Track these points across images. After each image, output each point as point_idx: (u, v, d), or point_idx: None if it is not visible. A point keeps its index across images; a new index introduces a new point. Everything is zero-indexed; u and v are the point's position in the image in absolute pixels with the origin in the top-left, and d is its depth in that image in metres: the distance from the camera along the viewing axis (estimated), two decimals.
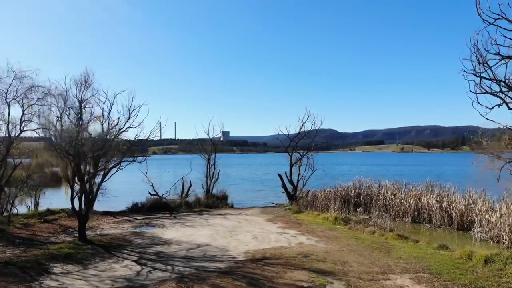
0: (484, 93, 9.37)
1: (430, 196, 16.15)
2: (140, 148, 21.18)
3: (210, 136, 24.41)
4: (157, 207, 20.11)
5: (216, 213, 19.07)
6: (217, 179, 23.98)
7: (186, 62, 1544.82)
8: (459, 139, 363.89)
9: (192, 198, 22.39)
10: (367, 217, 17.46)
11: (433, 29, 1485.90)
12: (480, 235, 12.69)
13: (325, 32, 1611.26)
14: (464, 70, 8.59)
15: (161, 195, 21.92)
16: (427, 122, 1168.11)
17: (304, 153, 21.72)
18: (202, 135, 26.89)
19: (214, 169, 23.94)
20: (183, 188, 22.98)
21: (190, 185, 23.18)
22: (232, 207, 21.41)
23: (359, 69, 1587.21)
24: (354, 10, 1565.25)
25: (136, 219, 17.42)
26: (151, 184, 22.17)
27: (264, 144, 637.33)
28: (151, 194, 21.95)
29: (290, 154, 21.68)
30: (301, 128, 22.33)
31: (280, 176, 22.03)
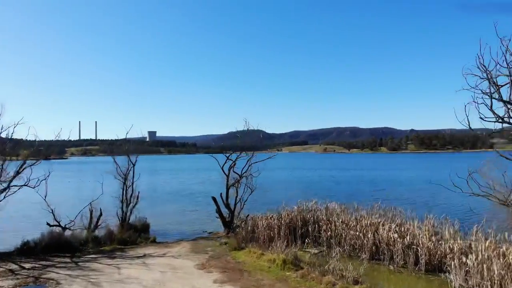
0: (498, 121, 7.92)
1: (388, 227, 13.96)
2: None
3: (135, 136, 20.15)
4: (55, 246, 15.42)
5: (133, 254, 14.99)
6: (135, 203, 19.73)
7: (113, 57, 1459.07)
8: (376, 140, 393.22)
9: (103, 230, 17.92)
10: (318, 251, 14.83)
11: (346, 31, 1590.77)
12: (458, 283, 10.59)
13: (254, 32, 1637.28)
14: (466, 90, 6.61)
15: (64, 226, 17.23)
16: (347, 124, 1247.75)
17: (239, 154, 18.58)
18: (126, 134, 22.72)
19: (132, 192, 19.67)
20: (91, 218, 18.32)
21: (101, 214, 18.60)
22: (154, 241, 17.38)
23: (286, 70, 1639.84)
24: (277, 12, 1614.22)
25: (23, 267, 12.86)
26: (51, 211, 17.26)
27: (194, 145, 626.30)
28: (50, 225, 17.12)
29: (227, 174, 18.33)
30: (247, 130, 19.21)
31: (214, 199, 18.56)
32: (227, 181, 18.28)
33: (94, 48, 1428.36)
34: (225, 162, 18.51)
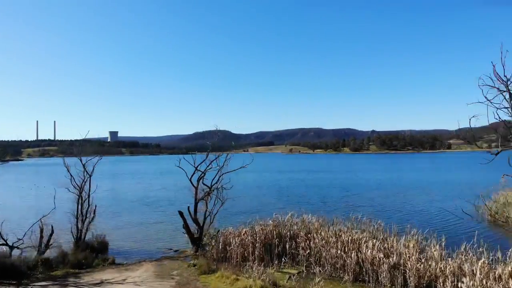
0: None
1: (372, 244, 12.96)
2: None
3: (95, 136, 18.01)
4: (0, 271, 13.24)
5: (88, 280, 13.10)
6: (92, 218, 17.70)
7: (72, 55, 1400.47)
8: (339, 141, 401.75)
9: (55, 251, 15.80)
10: (297, 272, 13.60)
11: (309, 33, 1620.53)
12: None
13: (220, 32, 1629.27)
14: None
15: (11, 244, 15.00)
16: (311, 125, 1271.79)
17: (209, 164, 17.02)
18: (87, 134, 20.73)
19: (89, 205, 17.64)
20: (41, 237, 16.10)
21: (52, 232, 16.41)
22: (113, 263, 15.46)
23: (252, 71, 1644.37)
24: (240, 14, 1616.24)
25: None
26: None
27: (158, 146, 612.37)
28: None
29: (196, 186, 16.70)
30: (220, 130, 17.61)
31: (181, 214, 16.86)
32: (196, 194, 16.66)
33: (53, 45, 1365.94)
34: (193, 173, 16.86)
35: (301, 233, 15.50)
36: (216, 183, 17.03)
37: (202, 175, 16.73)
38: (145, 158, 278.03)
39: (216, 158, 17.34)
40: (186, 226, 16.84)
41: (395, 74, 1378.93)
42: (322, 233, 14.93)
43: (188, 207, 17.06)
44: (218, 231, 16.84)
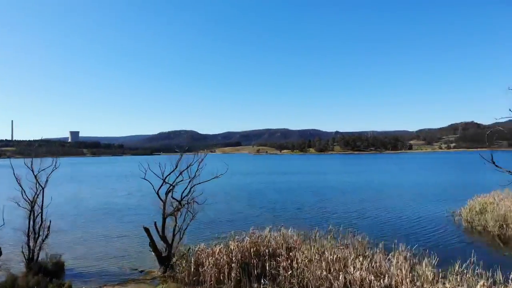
0: None
1: (360, 264, 12.02)
2: None
3: (55, 136, 16.12)
4: None
5: None
6: (46, 235, 15.70)
7: (32, 52, 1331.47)
8: (305, 141, 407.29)
9: (3, 275, 13.81)
10: None
11: (274, 34, 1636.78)
12: None
13: (185, 31, 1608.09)
14: None
15: None
16: (278, 125, 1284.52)
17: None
18: (46, 135, 18.47)
19: (42, 221, 15.64)
20: None
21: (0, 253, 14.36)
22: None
23: (218, 71, 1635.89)
24: (203, 16, 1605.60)
25: None
26: None
27: (121, 146, 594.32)
28: None
29: (164, 200, 15.10)
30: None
31: (147, 231, 15.19)
32: (164, 209, 15.07)
33: (8, 40, 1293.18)
34: (161, 185, 15.25)
35: (282, 250, 14.36)
36: (187, 195, 15.54)
37: (171, 188, 15.16)
38: (107, 159, 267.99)
39: (188, 167, 15.83)
40: (153, 244, 15.21)
41: (357, 76, 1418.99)
42: (305, 251, 13.86)
43: (155, 222, 15.43)
44: (189, 248, 15.36)
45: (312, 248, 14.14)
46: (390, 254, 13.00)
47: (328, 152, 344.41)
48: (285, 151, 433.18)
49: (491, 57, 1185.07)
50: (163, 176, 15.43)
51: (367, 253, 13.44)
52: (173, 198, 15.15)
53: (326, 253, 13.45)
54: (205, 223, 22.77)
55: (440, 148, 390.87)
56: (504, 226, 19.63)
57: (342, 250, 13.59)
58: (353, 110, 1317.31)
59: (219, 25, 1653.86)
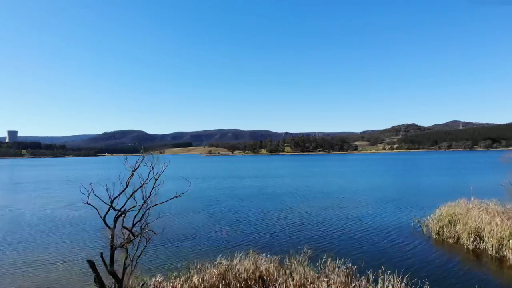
0: None
1: None
2: None
3: None
4: None
5: None
6: None
7: None
8: (257, 142, 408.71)
9: None
10: None
11: (230, 34, 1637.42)
12: None
13: (131, 32, 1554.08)
14: None
15: None
16: (230, 126, 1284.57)
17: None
18: None
19: None
20: None
21: None
22: None
23: (168, 69, 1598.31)
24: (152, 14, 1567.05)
25: None
26: None
27: (63, 147, 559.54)
28: None
29: (112, 228, 12.17)
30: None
31: (92, 265, 12.18)
32: (112, 239, 12.16)
33: None
34: (108, 211, 12.31)
35: (256, 285, 12.08)
36: (140, 220, 12.74)
37: (120, 214, 12.27)
38: (48, 161, 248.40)
39: (142, 186, 13.01)
40: (99, 281, 12.26)
41: (306, 79, 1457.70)
42: (282, 283, 11.70)
43: (101, 253, 12.46)
44: (143, 284, 12.63)
45: (290, 280, 12.01)
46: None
47: (279, 153, 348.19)
48: (237, 151, 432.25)
49: (431, 62, 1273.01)
50: (110, 199, 12.48)
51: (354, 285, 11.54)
52: (124, 227, 12.27)
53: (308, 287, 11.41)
54: (161, 244, 19.87)
55: (384, 149, 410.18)
56: (478, 239, 18.87)
57: (325, 283, 11.56)
58: (302, 112, 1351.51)
59: (164, 23, 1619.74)
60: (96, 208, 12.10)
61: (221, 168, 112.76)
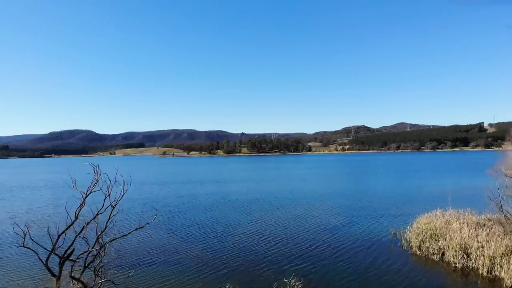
0: None
1: None
2: None
3: None
4: None
5: None
6: None
7: None
8: (213, 143, 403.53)
9: None
10: None
11: (180, 33, 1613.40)
12: None
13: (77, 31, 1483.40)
14: None
15: None
16: (185, 126, 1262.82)
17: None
18: None
19: None
20: None
21: None
22: None
23: (118, 67, 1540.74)
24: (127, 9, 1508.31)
25: None
26: None
27: (5, 147, 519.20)
28: None
29: (57, 276, 9.31)
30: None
31: None
32: (58, 279, 9.32)
33: None
34: (49, 256, 9.41)
35: None
36: (93, 261, 9.99)
37: (67, 257, 9.45)
38: None
39: (95, 217, 10.26)
40: None
41: (261, 80, 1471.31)
42: None
43: None
44: None
45: None
46: None
47: (236, 154, 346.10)
48: (193, 153, 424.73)
49: (378, 64, 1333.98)
50: (54, 237, 9.61)
51: None
52: (72, 277, 9.44)
53: None
54: (114, 273, 16.85)
55: (336, 149, 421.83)
56: (465, 256, 17.86)
57: None
58: (257, 113, 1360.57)
59: (111, 20, 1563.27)
60: (35, 252, 9.22)
61: (179, 171, 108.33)
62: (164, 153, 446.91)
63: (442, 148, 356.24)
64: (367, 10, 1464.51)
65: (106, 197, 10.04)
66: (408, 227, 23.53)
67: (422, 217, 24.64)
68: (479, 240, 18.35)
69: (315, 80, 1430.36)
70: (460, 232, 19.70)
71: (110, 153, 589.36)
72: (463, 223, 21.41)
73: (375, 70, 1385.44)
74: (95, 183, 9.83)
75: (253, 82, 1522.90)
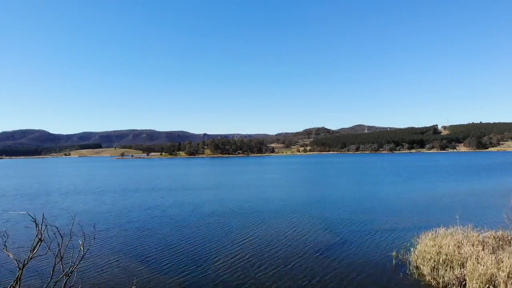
0: None
1: None
2: None
3: None
4: None
5: None
6: None
7: None
8: (175, 144, 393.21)
9: None
10: None
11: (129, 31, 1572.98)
12: None
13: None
14: None
15: None
16: (144, 126, 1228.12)
17: None
18: None
19: None
20: None
21: None
22: None
23: (73, 64, 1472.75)
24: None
25: None
26: None
27: None
28: None
29: None
30: None
31: None
32: None
33: None
34: None
35: None
36: None
37: None
38: None
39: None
40: None
41: (223, 80, 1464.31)
42: None
43: None
44: None
45: None
46: None
47: (199, 156, 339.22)
48: (153, 154, 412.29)
49: (336, 66, 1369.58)
50: None
51: None
52: None
53: None
54: None
55: (298, 151, 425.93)
56: None
57: None
58: (220, 113, 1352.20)
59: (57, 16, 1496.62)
60: None
61: (140, 175, 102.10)
62: (122, 154, 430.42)
63: (399, 150, 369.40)
64: (323, 7, 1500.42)
65: (56, 263, 6.44)
66: (413, 249, 21.37)
67: (425, 235, 22.58)
68: (503, 268, 16.35)
69: (277, 81, 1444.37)
70: (478, 257, 17.69)
71: (65, 154, 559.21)
72: (476, 245, 19.50)
73: (333, 72, 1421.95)
74: (38, 243, 6.23)
75: (214, 81, 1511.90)
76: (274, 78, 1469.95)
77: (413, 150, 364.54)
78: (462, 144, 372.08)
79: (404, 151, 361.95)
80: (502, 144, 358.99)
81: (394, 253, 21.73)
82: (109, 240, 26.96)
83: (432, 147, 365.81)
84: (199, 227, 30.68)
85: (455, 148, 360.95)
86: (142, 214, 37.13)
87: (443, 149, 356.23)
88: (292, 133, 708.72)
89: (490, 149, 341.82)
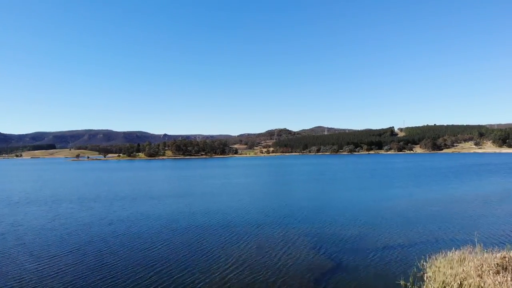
0: None
1: None
2: None
3: None
4: None
5: None
6: None
7: None
8: (134, 145, 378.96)
9: None
10: None
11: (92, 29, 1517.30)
12: None
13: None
14: None
15: None
16: (100, 126, 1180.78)
17: None
18: None
19: None
20: None
21: None
22: None
23: (25, 59, 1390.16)
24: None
25: None
26: None
27: None
28: None
29: None
30: None
31: None
32: None
33: None
34: None
35: None
36: None
37: None
38: None
39: None
40: None
41: (185, 80, 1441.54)
42: None
43: None
44: None
45: None
46: None
47: (159, 157, 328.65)
48: (110, 155, 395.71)
49: (298, 68, 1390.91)
50: None
51: None
52: None
53: None
54: None
55: (261, 152, 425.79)
56: None
57: None
58: (181, 113, 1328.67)
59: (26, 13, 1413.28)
60: None
61: (99, 180, 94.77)
62: (77, 156, 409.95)
63: (358, 151, 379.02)
64: (293, 11, 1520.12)
65: None
66: (426, 278, 18.92)
67: (436, 259, 20.35)
68: None
69: (239, 82, 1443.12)
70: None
71: (17, 156, 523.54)
72: (499, 270, 17.40)
73: (293, 74, 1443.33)
74: None
75: (175, 79, 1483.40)
76: (236, 78, 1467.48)
77: (371, 152, 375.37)
78: (419, 145, 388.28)
79: (363, 152, 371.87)
80: (456, 146, 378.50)
81: (401, 281, 19.17)
82: (64, 269, 22.46)
83: (390, 149, 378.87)
84: (175, 249, 26.49)
85: (412, 150, 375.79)
86: (103, 232, 32.43)
87: (401, 151, 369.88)
88: (254, 134, 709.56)
89: (445, 150, 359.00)
